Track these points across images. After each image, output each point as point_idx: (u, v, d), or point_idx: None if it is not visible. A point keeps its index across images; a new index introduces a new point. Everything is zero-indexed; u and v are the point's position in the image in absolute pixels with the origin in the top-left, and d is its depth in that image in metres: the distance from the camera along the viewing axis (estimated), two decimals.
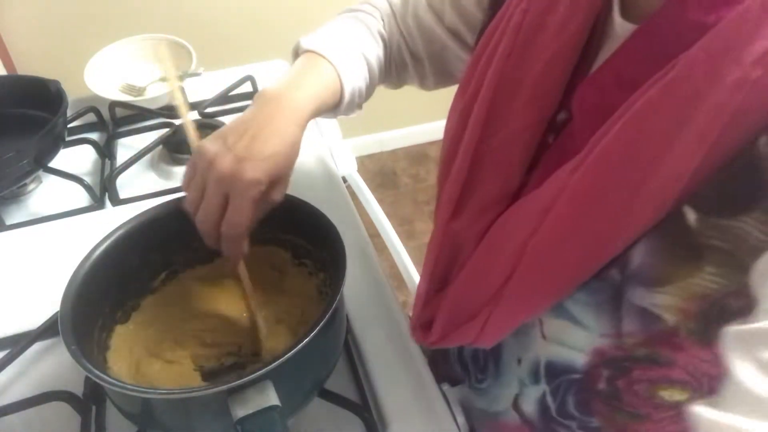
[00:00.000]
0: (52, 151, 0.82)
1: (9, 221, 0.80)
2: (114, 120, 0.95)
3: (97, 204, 0.82)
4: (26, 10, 1.49)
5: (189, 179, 0.51)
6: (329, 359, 0.55)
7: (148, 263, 0.61)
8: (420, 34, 0.65)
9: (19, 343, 0.62)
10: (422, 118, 2.17)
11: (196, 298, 0.62)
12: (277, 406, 0.45)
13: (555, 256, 0.42)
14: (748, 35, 0.32)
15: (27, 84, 0.87)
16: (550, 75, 0.45)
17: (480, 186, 0.50)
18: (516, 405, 0.56)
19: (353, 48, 0.63)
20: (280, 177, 0.52)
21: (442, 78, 0.69)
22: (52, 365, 0.62)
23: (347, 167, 0.91)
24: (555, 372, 0.50)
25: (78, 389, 0.58)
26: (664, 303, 0.39)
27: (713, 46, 0.34)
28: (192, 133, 0.54)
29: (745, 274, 0.35)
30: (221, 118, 0.93)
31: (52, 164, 0.83)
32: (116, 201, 0.82)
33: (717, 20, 0.34)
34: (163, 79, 0.98)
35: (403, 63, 0.69)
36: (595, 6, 0.43)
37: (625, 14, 0.42)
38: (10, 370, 0.60)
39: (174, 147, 0.88)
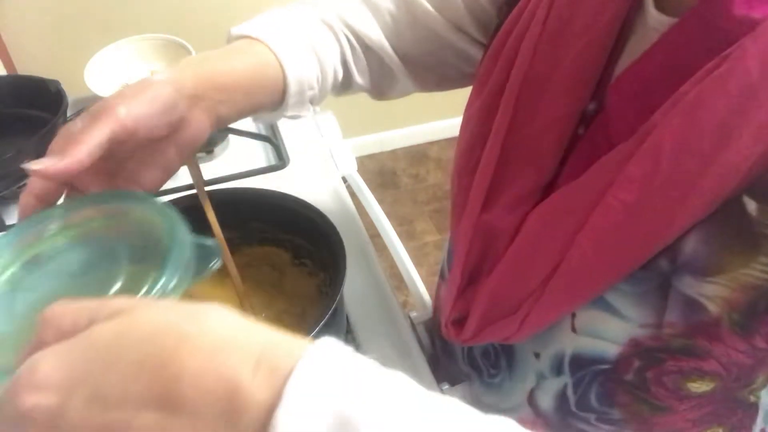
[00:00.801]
0: None
1: (9, 221, 0.80)
2: None
3: None
4: (26, 10, 1.49)
5: None
6: None
7: None
8: (414, 33, 0.61)
9: None
10: (422, 118, 2.18)
11: (198, 299, 0.62)
12: None
13: (604, 249, 0.42)
14: None
15: (27, 84, 0.86)
16: (582, 68, 0.45)
17: (512, 178, 0.49)
18: (531, 399, 0.56)
19: (299, 34, 0.55)
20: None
21: (433, 81, 0.65)
22: None
23: (347, 167, 0.91)
24: (582, 363, 0.49)
25: None
26: (713, 293, 0.39)
27: (765, 41, 0.34)
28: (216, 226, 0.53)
29: None
30: None
31: None
32: None
33: (764, 15, 0.35)
34: None
35: (381, 65, 0.61)
36: None
37: (659, 6, 0.42)
38: None
39: None
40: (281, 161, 0.89)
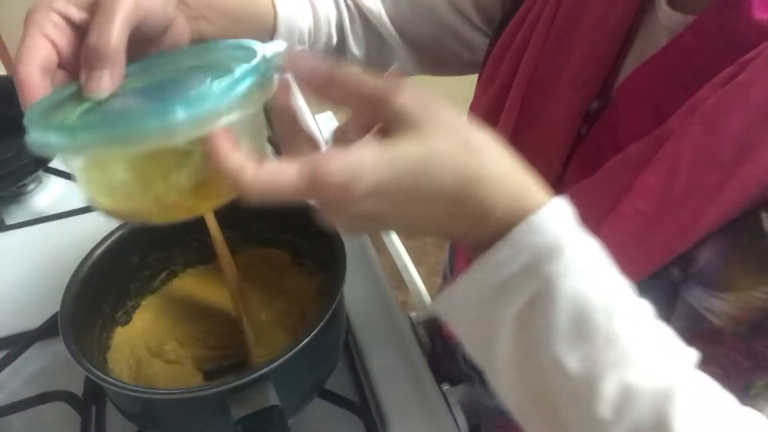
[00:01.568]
0: None
1: (9, 221, 0.80)
2: None
3: None
4: (26, 10, 1.49)
5: None
6: (329, 359, 0.55)
7: (148, 263, 0.61)
8: (414, 10, 0.60)
9: (19, 343, 0.62)
10: None
11: (199, 299, 0.62)
12: (277, 406, 0.45)
13: (617, 258, 0.41)
14: None
15: None
16: (589, 67, 0.45)
17: None
18: None
19: None
20: None
21: (430, 63, 0.64)
22: (52, 365, 0.62)
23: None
24: None
25: (78, 389, 0.58)
26: (719, 309, 0.38)
27: None
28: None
29: None
30: None
31: (52, 164, 0.82)
32: None
33: None
34: None
35: (380, 39, 0.61)
36: None
37: (671, 3, 0.41)
38: (10, 370, 0.60)
39: None
40: None
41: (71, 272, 0.53)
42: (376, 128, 0.32)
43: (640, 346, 0.30)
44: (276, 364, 0.45)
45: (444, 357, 0.73)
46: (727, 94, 0.35)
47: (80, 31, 0.37)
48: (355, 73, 0.30)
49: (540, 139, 0.47)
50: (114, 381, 0.45)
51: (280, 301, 0.61)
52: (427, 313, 0.79)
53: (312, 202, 0.30)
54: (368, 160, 0.28)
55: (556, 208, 0.30)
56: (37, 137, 0.31)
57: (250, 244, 0.64)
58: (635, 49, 0.44)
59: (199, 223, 0.52)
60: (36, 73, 0.35)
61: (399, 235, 0.86)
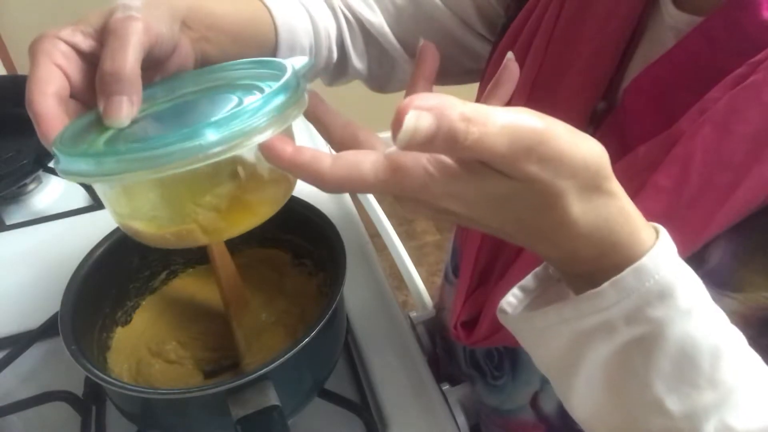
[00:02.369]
0: None
1: (9, 221, 0.80)
2: None
3: (97, 204, 0.82)
4: (26, 10, 1.49)
5: None
6: (329, 359, 0.55)
7: (148, 263, 0.61)
8: (416, 21, 0.59)
9: (19, 343, 0.62)
10: None
11: (199, 299, 0.62)
12: (277, 406, 0.45)
13: None
14: None
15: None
16: (595, 68, 0.44)
17: None
18: (534, 402, 0.56)
19: (297, 1, 0.54)
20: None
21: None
22: (52, 365, 0.62)
23: None
24: None
25: (78, 389, 0.58)
26: (729, 308, 0.37)
27: None
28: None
29: None
30: None
31: (52, 164, 0.82)
32: None
33: None
34: None
35: (382, 52, 0.60)
36: None
37: (677, 4, 0.41)
38: (10, 370, 0.60)
39: None
40: None
41: (71, 272, 0.53)
42: None
43: (743, 389, 0.31)
44: (276, 364, 0.45)
45: (444, 357, 0.73)
46: (739, 95, 0.35)
47: (88, 59, 0.37)
48: (476, 137, 0.25)
49: None
50: (114, 381, 0.45)
51: (280, 301, 0.61)
52: (428, 313, 0.79)
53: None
54: (454, 174, 0.27)
55: (663, 249, 0.30)
56: (66, 165, 0.31)
57: (249, 244, 0.64)
58: (641, 50, 0.44)
59: None
60: (52, 103, 0.34)
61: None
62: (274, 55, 0.51)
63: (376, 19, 0.58)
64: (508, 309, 0.36)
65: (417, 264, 0.90)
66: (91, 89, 0.36)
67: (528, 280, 0.37)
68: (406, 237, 1.92)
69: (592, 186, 0.28)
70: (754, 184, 0.35)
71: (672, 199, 0.37)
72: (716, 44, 0.38)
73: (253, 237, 0.63)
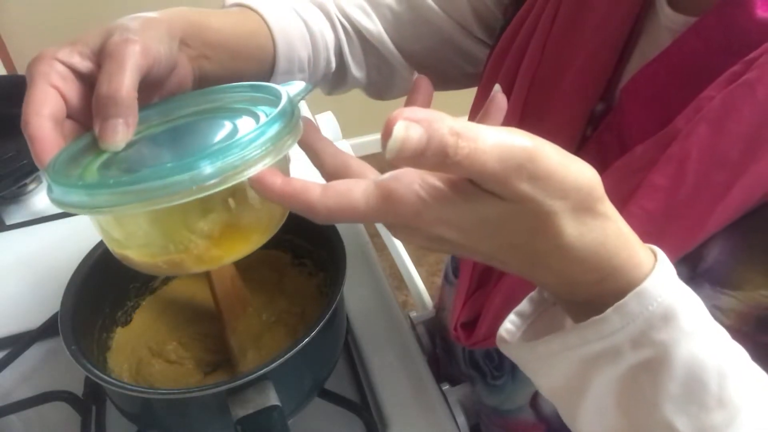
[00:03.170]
0: None
1: (9, 221, 0.80)
2: None
3: None
4: (26, 10, 1.49)
5: None
6: (329, 359, 0.55)
7: None
8: (415, 28, 0.59)
9: (19, 343, 0.62)
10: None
11: (199, 299, 0.62)
12: (277, 406, 0.45)
13: None
14: None
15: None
16: (593, 68, 0.44)
17: None
18: (534, 402, 0.56)
19: (294, 13, 0.54)
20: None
21: (433, 80, 0.64)
22: (52, 365, 0.62)
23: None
24: None
25: (78, 389, 0.58)
26: (727, 306, 0.38)
27: None
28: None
29: None
30: None
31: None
32: None
33: None
34: None
35: (380, 59, 0.60)
36: None
37: (673, 5, 0.41)
38: (10, 370, 0.60)
39: None
40: None
41: (71, 272, 0.53)
42: None
43: (750, 407, 0.31)
44: (276, 364, 0.45)
45: (444, 357, 0.73)
46: (733, 92, 0.35)
47: (85, 80, 0.36)
48: (467, 151, 0.24)
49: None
50: (114, 381, 0.45)
51: (281, 301, 0.61)
52: (428, 313, 0.79)
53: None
54: (445, 200, 0.27)
55: (663, 270, 0.30)
56: (59, 196, 0.30)
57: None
58: (638, 51, 0.44)
59: None
60: (47, 125, 0.34)
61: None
62: (273, 68, 0.51)
63: (374, 26, 0.58)
64: (507, 337, 0.36)
65: (417, 264, 0.90)
66: (89, 110, 0.36)
67: (524, 304, 0.36)
68: None
69: (585, 208, 0.27)
70: (750, 183, 0.35)
71: (668, 198, 0.37)
72: (711, 43, 0.38)
73: None
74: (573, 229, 0.27)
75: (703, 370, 0.30)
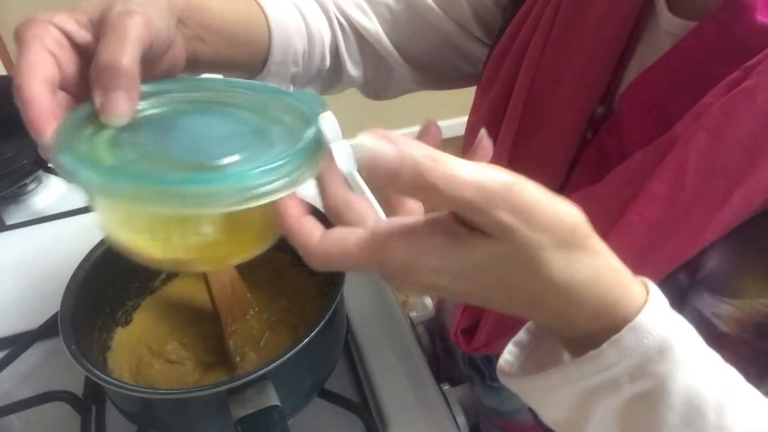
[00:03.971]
0: None
1: (9, 221, 0.80)
2: None
3: None
4: (26, 10, 1.49)
5: None
6: (329, 359, 0.55)
7: None
8: (413, 27, 0.58)
9: (19, 343, 0.62)
10: (422, 119, 2.17)
11: (199, 299, 0.62)
12: (277, 406, 0.45)
13: (623, 264, 0.41)
14: None
15: None
16: (592, 71, 0.44)
17: None
18: None
19: (292, 6, 0.54)
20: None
21: (430, 79, 0.63)
22: (52, 365, 0.62)
23: (347, 167, 0.91)
24: None
25: (78, 389, 0.58)
26: (726, 314, 0.37)
27: None
28: None
29: None
30: None
31: (52, 164, 0.82)
32: None
33: None
34: None
35: (378, 58, 0.60)
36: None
37: (673, 9, 0.41)
38: (10, 370, 0.60)
39: None
40: None
41: (71, 272, 0.53)
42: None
43: None
44: (276, 364, 0.45)
45: (444, 357, 0.73)
46: (733, 99, 0.34)
47: (80, 51, 0.35)
48: (444, 172, 0.25)
49: (544, 145, 0.47)
50: (114, 381, 0.45)
51: (281, 301, 0.61)
52: (428, 313, 0.79)
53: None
54: (436, 248, 0.27)
55: (656, 303, 0.30)
56: (68, 165, 0.29)
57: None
58: (637, 55, 0.44)
59: None
60: (43, 90, 0.32)
61: None
62: (267, 58, 0.51)
63: (371, 25, 0.57)
64: (507, 367, 0.36)
65: None
66: (82, 82, 0.34)
67: (521, 334, 0.36)
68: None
69: (573, 243, 0.27)
70: (749, 190, 0.34)
71: (667, 206, 0.37)
72: (710, 48, 0.37)
73: None
74: (563, 265, 0.27)
75: (701, 400, 0.30)
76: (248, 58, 0.50)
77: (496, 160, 0.48)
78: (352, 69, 0.59)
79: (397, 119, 2.18)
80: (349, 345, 0.64)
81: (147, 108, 0.36)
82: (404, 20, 0.58)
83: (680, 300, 0.40)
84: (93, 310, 0.55)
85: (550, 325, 0.32)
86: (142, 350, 0.57)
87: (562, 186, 0.47)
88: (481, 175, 0.25)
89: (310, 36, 0.54)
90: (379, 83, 0.63)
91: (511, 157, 0.48)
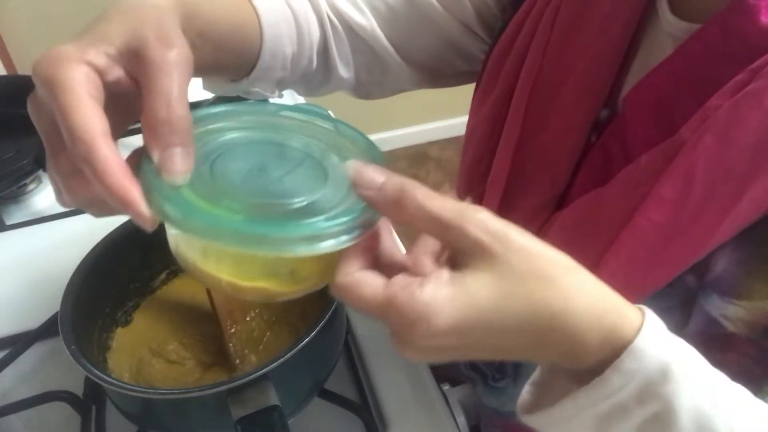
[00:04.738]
0: None
1: (9, 221, 0.80)
2: None
3: None
4: (26, 10, 1.49)
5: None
6: (329, 359, 0.55)
7: (149, 263, 0.61)
8: (412, 24, 0.57)
9: (19, 343, 0.62)
10: (422, 119, 2.17)
11: (200, 300, 0.62)
12: (277, 406, 0.45)
13: (633, 270, 0.40)
14: None
15: (27, 84, 0.85)
16: (595, 74, 0.44)
17: (526, 189, 0.48)
18: None
19: (284, 6, 0.52)
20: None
21: (427, 77, 0.62)
22: (52, 365, 0.62)
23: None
24: None
25: (78, 389, 0.58)
26: (735, 315, 0.37)
27: None
28: None
29: None
30: None
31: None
32: None
33: None
34: None
35: (372, 55, 0.58)
36: (642, 1, 0.42)
37: (675, 11, 0.41)
38: (10, 370, 0.60)
39: None
40: None
41: (71, 272, 0.53)
42: (444, 257, 0.32)
43: None
44: (276, 363, 0.45)
45: None
46: (739, 102, 0.34)
47: (109, 88, 0.32)
48: (425, 194, 0.29)
49: (547, 148, 0.46)
50: (114, 381, 0.45)
51: (281, 301, 0.61)
52: None
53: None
54: (439, 305, 0.28)
55: (652, 326, 0.30)
56: (175, 216, 0.29)
57: None
58: (640, 57, 0.44)
59: None
60: (112, 149, 0.29)
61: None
62: (255, 63, 0.49)
63: (366, 22, 0.56)
64: (526, 407, 0.36)
65: None
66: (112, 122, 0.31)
67: (536, 374, 0.36)
68: (406, 237, 1.92)
69: (565, 270, 0.29)
70: (758, 193, 0.34)
71: (676, 210, 0.37)
72: (713, 51, 0.37)
73: None
74: (563, 291, 0.29)
75: (709, 419, 0.30)
76: (235, 62, 0.49)
77: (499, 162, 0.48)
78: (343, 70, 0.58)
79: (398, 119, 2.18)
80: (349, 345, 0.64)
81: (216, 131, 0.36)
82: (403, 17, 0.57)
83: (689, 302, 0.39)
84: (93, 310, 0.55)
85: (561, 361, 0.32)
86: (142, 350, 0.57)
87: (566, 188, 0.47)
88: (459, 205, 0.29)
89: (300, 38, 0.53)
90: (371, 84, 0.62)
91: (515, 162, 0.48)
